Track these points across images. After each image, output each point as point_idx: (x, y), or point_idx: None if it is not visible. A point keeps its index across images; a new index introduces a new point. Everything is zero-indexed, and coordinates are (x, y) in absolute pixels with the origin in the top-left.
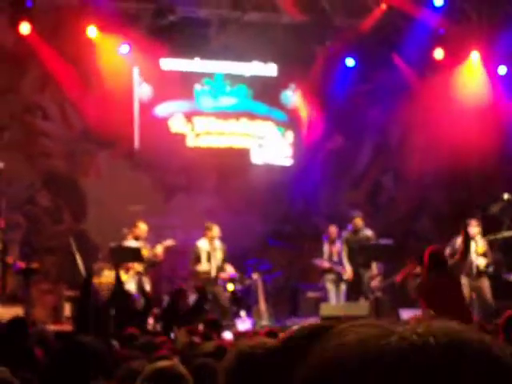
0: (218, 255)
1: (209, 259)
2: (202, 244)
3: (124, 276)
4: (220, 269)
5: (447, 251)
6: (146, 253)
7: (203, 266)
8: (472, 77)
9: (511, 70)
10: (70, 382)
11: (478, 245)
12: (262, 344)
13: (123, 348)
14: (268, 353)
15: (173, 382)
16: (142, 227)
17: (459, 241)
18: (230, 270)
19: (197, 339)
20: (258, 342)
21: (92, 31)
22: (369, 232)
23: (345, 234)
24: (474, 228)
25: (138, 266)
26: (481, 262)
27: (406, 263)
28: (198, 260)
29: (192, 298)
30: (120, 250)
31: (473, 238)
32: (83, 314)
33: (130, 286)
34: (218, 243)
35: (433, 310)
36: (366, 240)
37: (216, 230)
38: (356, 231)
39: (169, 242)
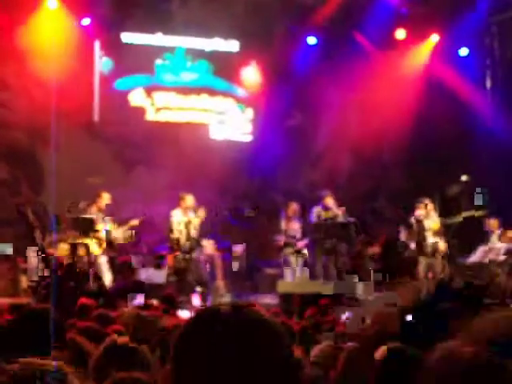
0: (194, 226)
1: (183, 230)
2: (176, 214)
3: (96, 250)
4: (196, 242)
5: (402, 233)
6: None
7: (176, 237)
8: (430, 57)
9: (472, 52)
10: (27, 349)
11: (431, 224)
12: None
13: (79, 320)
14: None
15: (128, 355)
16: (106, 197)
17: (413, 222)
18: (206, 244)
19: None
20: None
21: (52, 3)
22: (340, 211)
23: (316, 210)
24: (422, 210)
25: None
26: (434, 240)
27: (362, 242)
28: (171, 230)
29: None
30: (76, 220)
31: (425, 217)
32: (42, 285)
33: (103, 259)
34: (192, 214)
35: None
36: (336, 217)
37: (190, 200)
38: (327, 209)
39: (134, 222)
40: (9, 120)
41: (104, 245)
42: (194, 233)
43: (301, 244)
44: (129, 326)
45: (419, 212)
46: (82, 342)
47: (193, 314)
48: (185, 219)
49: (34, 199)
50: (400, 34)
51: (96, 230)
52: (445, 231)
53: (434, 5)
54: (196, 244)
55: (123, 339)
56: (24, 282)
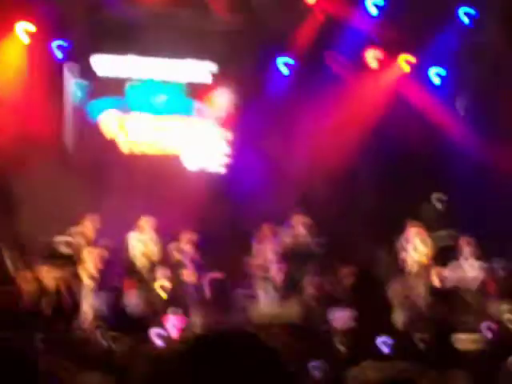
0: (150, 249)
1: (139, 253)
2: (133, 238)
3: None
4: (151, 262)
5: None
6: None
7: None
8: (402, 79)
9: (445, 74)
10: None
11: (418, 251)
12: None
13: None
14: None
15: None
16: (88, 224)
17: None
18: (162, 271)
19: None
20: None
21: (20, 26)
22: (304, 231)
23: (283, 232)
24: (413, 228)
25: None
26: (421, 260)
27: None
28: (126, 253)
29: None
30: (53, 253)
31: (414, 238)
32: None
33: (88, 281)
34: (149, 238)
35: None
36: (301, 238)
37: (144, 223)
38: (293, 228)
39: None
40: None
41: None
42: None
43: (273, 269)
44: None
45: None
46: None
47: (190, 341)
48: (140, 243)
49: (6, 225)
50: (371, 56)
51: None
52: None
53: (405, 27)
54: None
55: None
56: None
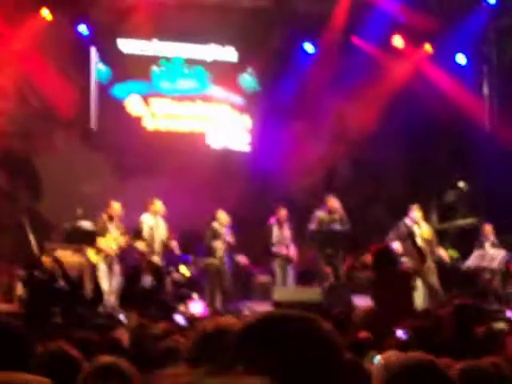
0: (162, 231)
1: (150, 235)
2: (146, 218)
3: (94, 257)
4: (164, 244)
5: (391, 236)
6: (120, 238)
7: (141, 242)
8: (427, 64)
9: (470, 59)
10: None
11: (422, 229)
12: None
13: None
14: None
15: (116, 378)
16: (116, 206)
17: (403, 225)
18: (174, 244)
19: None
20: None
21: (47, 10)
22: (343, 214)
23: (319, 213)
24: (417, 212)
25: (111, 249)
26: (424, 246)
27: (359, 251)
28: (138, 235)
29: (147, 278)
30: (74, 231)
31: (416, 223)
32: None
33: (101, 266)
34: (160, 219)
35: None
36: (340, 221)
37: (158, 205)
38: (331, 212)
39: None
40: (6, 127)
41: (103, 253)
42: (161, 237)
43: (292, 251)
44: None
45: (416, 214)
46: (70, 351)
47: (257, 317)
48: (153, 223)
49: (30, 206)
50: (397, 41)
51: (94, 241)
52: (441, 237)
53: (431, 11)
54: (163, 247)
55: (110, 359)
56: (19, 289)
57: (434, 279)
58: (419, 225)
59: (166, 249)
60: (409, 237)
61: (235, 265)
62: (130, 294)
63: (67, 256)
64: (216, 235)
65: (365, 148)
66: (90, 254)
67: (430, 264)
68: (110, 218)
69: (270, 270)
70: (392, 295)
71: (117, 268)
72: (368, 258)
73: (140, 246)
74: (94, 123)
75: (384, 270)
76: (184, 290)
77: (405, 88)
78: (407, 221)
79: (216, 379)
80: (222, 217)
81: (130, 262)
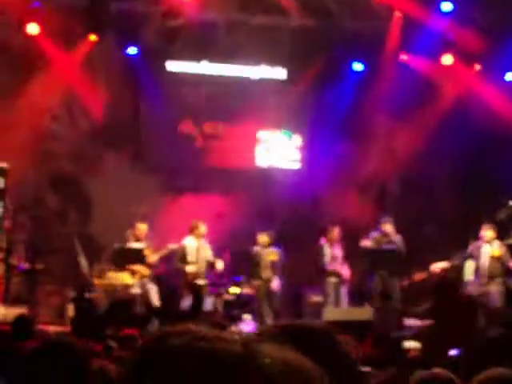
0: (207, 253)
1: (196, 258)
2: (190, 242)
3: (129, 279)
4: (210, 265)
5: (458, 256)
6: (149, 255)
7: (191, 265)
8: (477, 82)
9: None
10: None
11: (493, 248)
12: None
13: (123, 349)
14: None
15: None
16: (141, 228)
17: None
18: (220, 265)
19: None
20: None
21: (97, 33)
22: (398, 238)
23: (375, 233)
24: (487, 232)
25: (145, 270)
26: (494, 266)
27: (410, 270)
28: (184, 259)
29: (187, 299)
30: (123, 251)
31: (488, 242)
32: (80, 314)
33: (135, 290)
34: (204, 242)
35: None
36: (395, 243)
37: (203, 228)
38: (385, 235)
39: (164, 252)
40: (57, 149)
41: (149, 272)
42: (207, 258)
43: (344, 271)
44: None
45: (485, 233)
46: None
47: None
48: (197, 246)
49: (81, 229)
50: (447, 59)
51: (144, 260)
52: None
53: (480, 29)
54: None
55: None
56: (71, 310)
57: (496, 301)
58: (490, 244)
59: (213, 270)
60: (473, 257)
61: (286, 285)
62: (166, 315)
63: (118, 277)
64: (257, 259)
65: (415, 166)
66: (125, 276)
67: (494, 285)
68: (137, 240)
69: (322, 290)
70: (454, 322)
71: (152, 289)
72: (419, 277)
73: (190, 269)
74: (144, 144)
75: (445, 297)
76: (235, 310)
77: (455, 106)
78: (478, 242)
79: None
80: (263, 239)
81: (170, 284)
